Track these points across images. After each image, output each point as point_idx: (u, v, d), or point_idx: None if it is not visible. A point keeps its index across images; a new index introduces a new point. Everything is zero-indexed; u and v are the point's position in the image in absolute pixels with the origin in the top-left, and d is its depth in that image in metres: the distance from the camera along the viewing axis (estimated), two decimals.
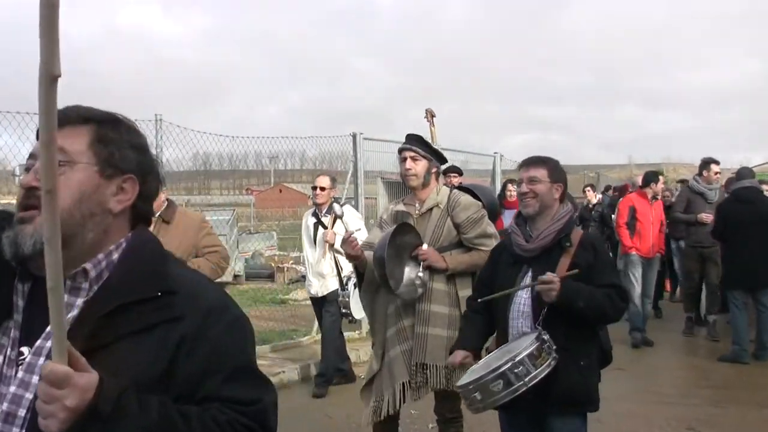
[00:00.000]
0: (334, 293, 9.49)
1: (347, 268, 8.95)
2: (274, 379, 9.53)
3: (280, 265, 24.30)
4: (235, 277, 22.45)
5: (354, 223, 8.72)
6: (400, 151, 5.88)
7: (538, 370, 4.24)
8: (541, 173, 4.66)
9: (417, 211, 5.85)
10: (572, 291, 4.35)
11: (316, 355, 11.03)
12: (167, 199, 6.72)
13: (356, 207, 12.57)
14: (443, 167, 6.59)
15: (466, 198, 5.91)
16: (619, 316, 4.60)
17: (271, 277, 23.70)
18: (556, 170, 4.72)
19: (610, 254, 5.56)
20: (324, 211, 9.52)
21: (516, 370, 4.21)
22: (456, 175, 12.12)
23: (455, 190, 6.05)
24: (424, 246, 5.68)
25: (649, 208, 12.46)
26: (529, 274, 4.60)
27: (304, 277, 22.18)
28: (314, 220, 9.69)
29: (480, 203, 6.01)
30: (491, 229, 5.90)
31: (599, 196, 18.48)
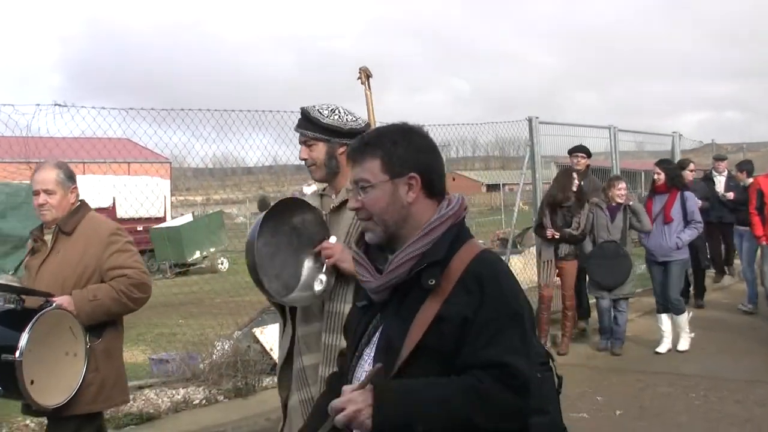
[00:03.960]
0: None
1: None
2: None
3: None
4: None
5: None
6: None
7: None
8: (371, 168, 2.73)
9: (331, 205, 4.43)
10: (398, 407, 2.45)
11: None
12: (81, 201, 5.19)
13: (534, 193, 12.48)
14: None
15: None
16: (514, 422, 2.54)
17: None
18: (394, 151, 2.72)
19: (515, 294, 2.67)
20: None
21: None
22: (583, 155, 11.79)
23: None
24: (332, 239, 4.22)
25: None
26: (377, 333, 2.75)
27: None
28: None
29: None
30: None
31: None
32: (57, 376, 4.60)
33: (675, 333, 10.55)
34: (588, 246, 10.59)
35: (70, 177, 5.08)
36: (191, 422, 7.23)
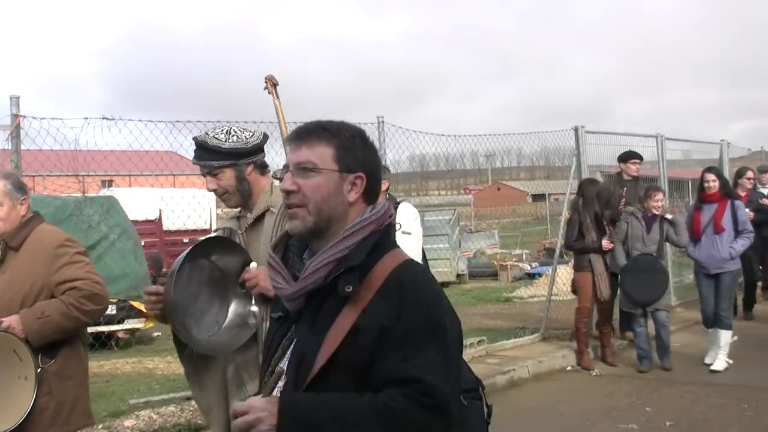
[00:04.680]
0: None
1: None
2: (504, 378, 9.59)
3: (503, 263, 24.30)
4: (459, 276, 22.65)
5: (405, 225, 7.08)
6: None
7: None
8: (321, 154, 2.54)
9: (246, 224, 4.25)
10: (303, 423, 2.30)
11: (545, 352, 11.01)
12: (33, 214, 4.84)
13: None
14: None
15: None
16: None
17: (494, 275, 23.77)
18: (350, 146, 2.58)
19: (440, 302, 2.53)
20: None
21: None
22: (637, 161, 11.61)
23: None
24: (252, 265, 3.98)
25: None
26: (292, 346, 2.59)
27: (528, 275, 22.44)
28: None
29: None
30: None
31: None
32: (8, 401, 4.37)
33: (714, 350, 10.19)
34: (621, 258, 10.17)
35: (20, 188, 4.73)
36: None
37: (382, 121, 10.33)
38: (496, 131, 12.43)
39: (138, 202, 17.03)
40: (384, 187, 6.99)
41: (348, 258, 2.45)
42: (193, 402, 8.11)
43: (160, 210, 23.63)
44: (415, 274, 2.51)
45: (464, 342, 10.86)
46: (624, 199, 11.14)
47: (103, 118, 8.04)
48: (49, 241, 4.64)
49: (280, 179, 2.76)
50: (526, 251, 29.20)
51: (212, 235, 4.28)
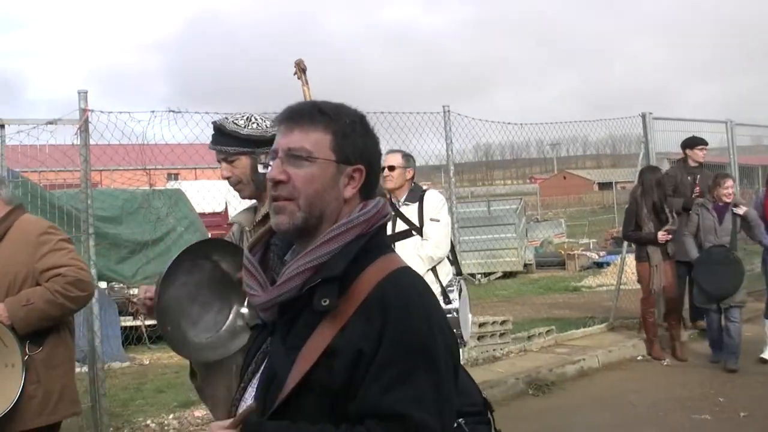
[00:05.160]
0: None
1: (446, 274, 6.97)
2: (574, 367, 9.52)
3: (570, 253, 24.15)
4: (526, 266, 22.56)
5: (433, 212, 6.93)
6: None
7: None
8: (317, 140, 2.22)
9: (254, 220, 4.10)
10: None
11: (615, 342, 10.91)
12: (15, 206, 4.78)
13: None
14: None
15: None
16: None
17: (561, 264, 23.64)
18: (350, 133, 2.26)
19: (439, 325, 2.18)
20: (403, 199, 7.09)
21: None
22: (704, 147, 11.37)
23: None
24: None
25: None
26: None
27: (595, 264, 22.25)
28: (391, 212, 7.76)
29: None
30: None
31: None
32: None
33: None
34: (693, 251, 9.79)
35: None
36: None
37: (448, 110, 10.20)
38: (561, 119, 12.22)
39: (204, 194, 17.14)
40: (409, 175, 6.95)
41: (326, 266, 2.11)
42: None
43: (226, 202, 23.88)
44: (402, 287, 2.14)
45: (533, 331, 10.94)
46: (698, 188, 10.90)
47: (170, 111, 8.12)
48: (31, 230, 4.60)
49: (265, 166, 2.34)
50: (593, 240, 28.95)
51: (211, 238, 4.08)
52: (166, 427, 7.50)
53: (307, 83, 5.57)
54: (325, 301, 2.07)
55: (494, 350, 10.31)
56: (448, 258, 6.90)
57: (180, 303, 3.61)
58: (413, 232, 6.45)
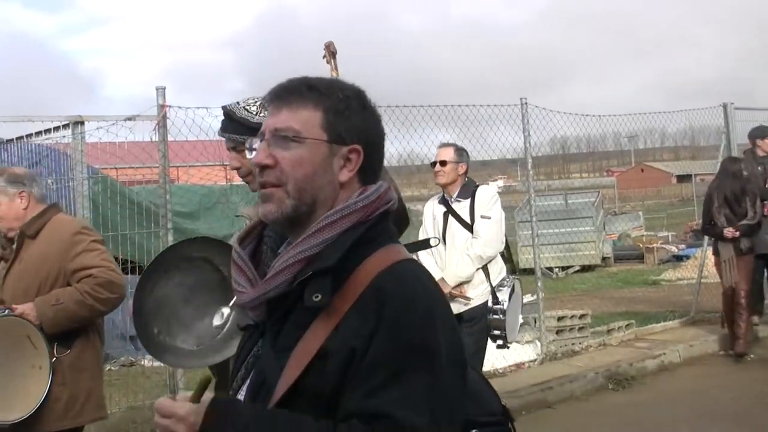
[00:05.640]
0: (480, 309, 6.69)
1: (498, 273, 6.76)
2: (654, 362, 9.42)
3: (649, 246, 23.86)
4: (604, 259, 22.35)
5: (484, 209, 6.69)
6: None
7: None
8: (307, 118, 1.99)
9: None
10: None
11: (696, 336, 10.77)
12: (50, 204, 4.79)
13: None
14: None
15: None
16: None
17: (640, 258, 23.37)
18: (344, 110, 2.02)
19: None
20: (455, 195, 6.84)
21: None
22: None
23: None
24: None
25: None
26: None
27: (675, 257, 21.94)
28: (443, 208, 6.98)
29: None
30: None
31: None
32: (22, 389, 4.29)
33: None
34: None
35: (14, 182, 4.59)
36: None
37: (526, 103, 10.11)
38: (636, 111, 12.05)
39: None
40: (462, 170, 6.80)
41: (319, 257, 1.89)
42: None
43: None
44: (402, 279, 1.91)
45: (612, 325, 10.84)
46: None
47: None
48: (65, 229, 4.55)
49: (250, 149, 2.14)
50: (672, 233, 28.56)
51: (201, 236, 3.84)
52: None
53: (336, 68, 5.26)
54: (317, 297, 1.85)
55: (573, 344, 10.25)
56: (502, 255, 6.80)
57: (173, 304, 3.37)
58: (435, 241, 5.83)
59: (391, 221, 2.11)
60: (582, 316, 10.61)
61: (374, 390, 1.78)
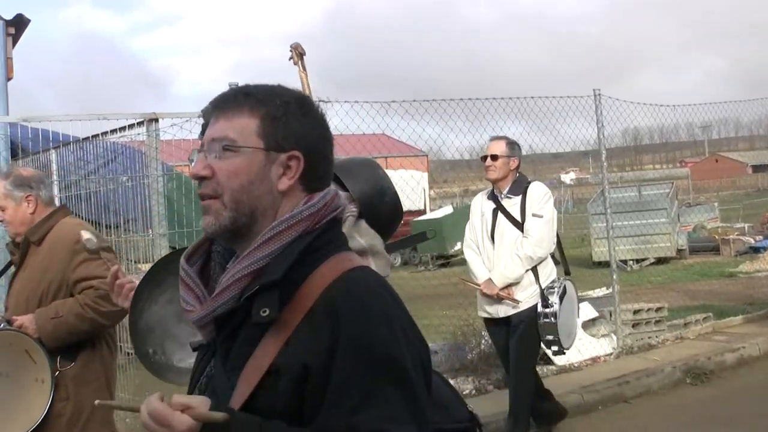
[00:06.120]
0: (529, 312, 6.42)
1: (548, 275, 6.51)
2: (733, 355, 9.27)
3: (725, 237, 23.49)
4: (679, 251, 22.05)
5: (536, 207, 6.44)
6: None
7: None
8: (242, 126, 1.91)
9: None
10: None
11: None
12: (58, 207, 4.63)
13: None
14: None
15: None
16: None
17: (716, 250, 23.05)
18: (281, 116, 1.92)
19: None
20: (505, 191, 6.56)
21: None
22: None
23: None
24: None
25: None
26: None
27: (752, 248, 21.53)
28: (492, 204, 6.66)
29: None
30: (356, 242, 3.06)
31: None
32: (24, 404, 4.12)
33: None
34: None
35: (20, 185, 4.37)
36: None
37: (599, 94, 9.97)
38: (710, 100, 11.87)
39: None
40: (513, 165, 6.52)
41: (265, 271, 1.81)
42: None
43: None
44: (354, 288, 1.82)
45: (689, 319, 10.69)
46: None
47: (319, 101, 8.24)
48: (68, 236, 4.24)
49: (190, 161, 2.07)
50: (749, 224, 28.01)
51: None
52: None
53: (304, 69, 5.21)
54: (264, 312, 1.76)
55: (649, 338, 10.12)
56: (552, 256, 6.58)
57: (166, 322, 3.21)
58: (431, 233, 5.22)
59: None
60: (658, 309, 10.47)
61: (354, 411, 1.70)
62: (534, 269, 6.37)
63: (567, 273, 6.75)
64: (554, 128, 9.84)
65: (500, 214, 6.48)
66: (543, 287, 6.36)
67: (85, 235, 3.51)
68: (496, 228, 6.50)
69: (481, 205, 6.74)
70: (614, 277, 9.98)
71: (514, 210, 6.44)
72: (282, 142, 1.88)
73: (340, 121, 8.50)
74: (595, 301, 10.69)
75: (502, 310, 6.46)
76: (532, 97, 9.60)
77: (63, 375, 4.18)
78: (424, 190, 26.39)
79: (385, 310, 1.81)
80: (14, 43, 10.43)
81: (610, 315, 9.92)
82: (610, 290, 10.19)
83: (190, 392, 1.98)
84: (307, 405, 1.74)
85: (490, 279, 6.38)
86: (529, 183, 6.52)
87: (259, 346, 1.78)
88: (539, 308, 6.32)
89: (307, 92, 5.09)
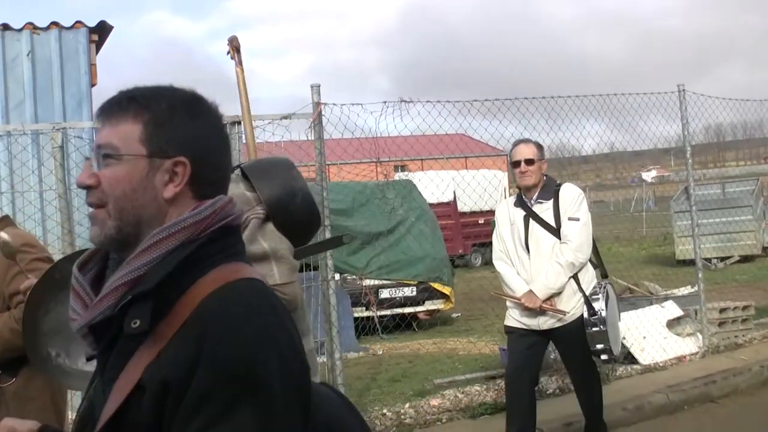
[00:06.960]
0: (576, 322, 6.04)
1: (589, 281, 6.19)
2: None
3: None
4: (764, 249, 21.60)
5: (570, 210, 6.11)
6: None
7: None
8: (125, 133, 1.81)
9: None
10: None
11: None
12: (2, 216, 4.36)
13: None
14: None
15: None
16: None
17: None
18: (166, 121, 1.82)
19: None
20: (535, 196, 6.20)
21: None
22: None
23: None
24: None
25: None
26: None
27: None
28: (522, 211, 6.25)
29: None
30: (258, 246, 3.05)
31: None
32: None
33: None
34: None
35: None
36: (547, 412, 7.21)
37: (683, 90, 9.73)
38: None
39: (432, 185, 17.47)
40: (545, 168, 6.27)
41: (141, 280, 1.71)
42: (498, 381, 8.22)
43: (454, 192, 24.16)
44: (229, 301, 1.71)
45: None
46: None
47: (401, 101, 8.20)
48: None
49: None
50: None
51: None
52: (402, 416, 7.61)
53: (240, 64, 5.01)
54: (135, 323, 1.67)
55: (736, 337, 9.91)
56: (591, 261, 6.23)
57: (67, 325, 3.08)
58: (347, 238, 4.52)
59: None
60: (745, 308, 10.27)
61: (202, 429, 1.59)
62: (575, 276, 6.05)
63: (604, 276, 6.43)
64: (635, 125, 9.66)
65: (532, 221, 6.12)
66: (587, 294, 6.03)
67: (3, 236, 3.40)
68: (529, 236, 6.12)
69: (509, 214, 6.29)
70: (699, 275, 9.80)
71: (547, 215, 6.09)
72: (166, 147, 1.78)
73: (422, 121, 8.49)
74: (679, 300, 10.53)
75: (546, 323, 6.09)
76: (615, 94, 9.43)
77: (3, 391, 3.92)
78: (505, 189, 26.17)
79: (257, 324, 1.68)
80: (98, 49, 10.60)
81: (696, 314, 9.74)
82: (695, 289, 10.03)
83: (81, 403, 1.96)
84: (165, 422, 1.63)
85: (530, 291, 6.04)
86: (560, 185, 6.21)
87: (132, 359, 1.69)
88: (586, 317, 5.96)
89: (242, 89, 5.14)
